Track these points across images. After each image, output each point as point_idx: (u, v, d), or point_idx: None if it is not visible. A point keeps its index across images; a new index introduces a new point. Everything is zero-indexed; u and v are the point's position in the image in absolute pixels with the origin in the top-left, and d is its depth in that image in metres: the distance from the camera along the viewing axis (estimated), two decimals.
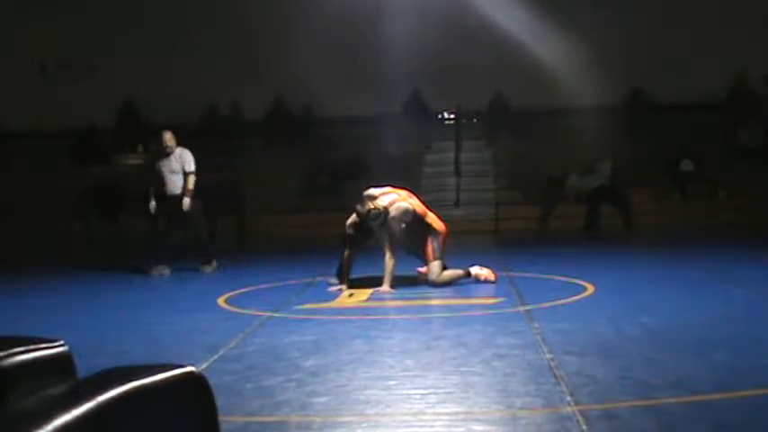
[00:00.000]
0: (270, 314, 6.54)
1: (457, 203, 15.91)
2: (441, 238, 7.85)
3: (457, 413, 3.66)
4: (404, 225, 7.75)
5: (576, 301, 6.75)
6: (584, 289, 7.29)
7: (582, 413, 3.52)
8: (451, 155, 16.70)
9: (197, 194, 9.72)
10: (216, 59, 17.32)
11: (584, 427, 3.36)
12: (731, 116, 16.57)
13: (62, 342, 2.11)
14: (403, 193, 8.00)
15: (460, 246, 13.48)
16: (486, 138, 17.70)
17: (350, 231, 7.95)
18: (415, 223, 7.80)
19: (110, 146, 18.12)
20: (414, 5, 16.34)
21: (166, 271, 9.76)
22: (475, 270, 7.92)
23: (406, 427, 3.54)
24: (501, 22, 15.70)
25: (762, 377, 4.06)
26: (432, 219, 7.95)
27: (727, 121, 16.53)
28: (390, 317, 6.45)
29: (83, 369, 2.11)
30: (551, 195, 15.12)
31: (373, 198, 7.73)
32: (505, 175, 16.48)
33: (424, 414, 3.67)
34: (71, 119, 17.17)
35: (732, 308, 6.21)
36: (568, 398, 3.77)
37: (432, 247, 7.79)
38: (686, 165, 15.58)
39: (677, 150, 15.62)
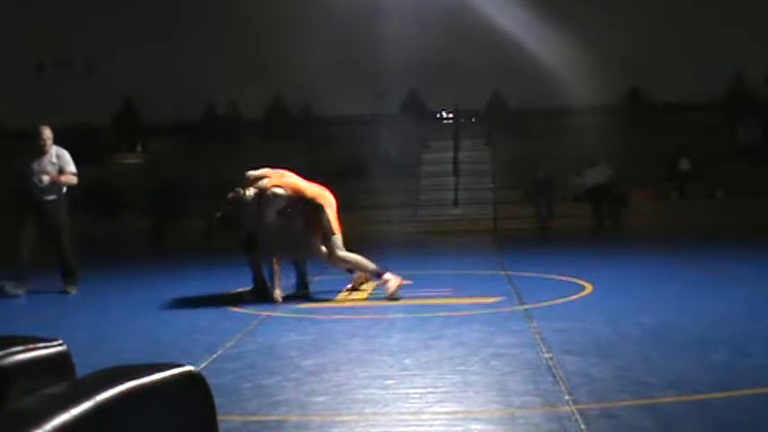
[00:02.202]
0: (268, 313, 6.54)
1: (455, 203, 15.92)
2: (332, 212, 6.95)
3: (455, 412, 3.66)
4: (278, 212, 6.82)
5: (575, 300, 6.74)
6: (583, 288, 7.29)
7: (580, 412, 3.52)
8: (450, 154, 16.71)
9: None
10: (214, 59, 17.32)
11: (582, 426, 3.36)
12: (730, 116, 16.59)
13: (60, 341, 2.10)
14: (275, 173, 7.00)
15: (459, 245, 13.51)
16: (484, 137, 17.71)
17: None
18: (294, 208, 6.88)
19: (108, 145, 18.11)
20: (412, 5, 16.33)
21: (20, 291, 8.18)
22: (388, 275, 6.99)
23: (405, 426, 3.53)
24: (500, 22, 15.69)
25: (760, 377, 4.06)
26: (314, 193, 6.96)
27: (726, 120, 16.54)
28: (389, 316, 6.44)
29: (81, 368, 2.11)
30: (542, 194, 15.11)
31: (253, 180, 6.89)
32: (504, 174, 16.47)
33: (423, 413, 3.66)
34: (70, 118, 17.14)
35: (731, 307, 6.21)
36: (567, 397, 3.77)
37: (321, 224, 6.86)
38: (685, 164, 15.58)
39: (676, 150, 15.63)
